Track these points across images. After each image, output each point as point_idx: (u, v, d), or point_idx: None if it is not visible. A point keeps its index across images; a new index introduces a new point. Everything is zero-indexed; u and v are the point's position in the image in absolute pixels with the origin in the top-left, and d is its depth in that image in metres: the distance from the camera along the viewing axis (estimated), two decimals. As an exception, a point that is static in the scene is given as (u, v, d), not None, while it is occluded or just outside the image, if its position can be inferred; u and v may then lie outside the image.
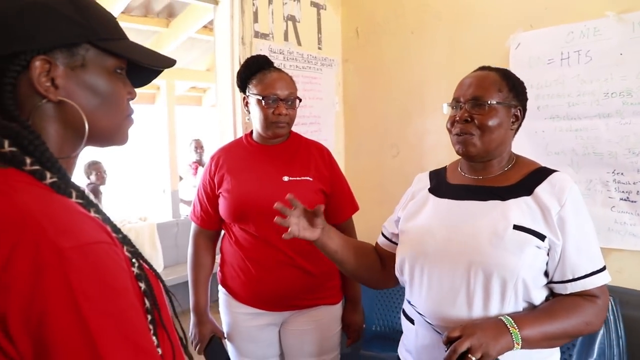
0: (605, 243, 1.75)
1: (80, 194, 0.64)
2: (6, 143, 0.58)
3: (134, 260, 0.65)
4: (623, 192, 1.76)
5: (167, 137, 5.42)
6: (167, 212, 5.08)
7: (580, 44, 1.72)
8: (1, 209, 0.55)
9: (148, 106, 6.01)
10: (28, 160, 0.59)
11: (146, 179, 6.06)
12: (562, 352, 1.71)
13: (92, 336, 0.51)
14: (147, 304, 0.64)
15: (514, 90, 1.11)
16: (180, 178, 5.45)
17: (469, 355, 0.89)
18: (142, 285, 0.64)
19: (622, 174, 1.74)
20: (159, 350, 0.65)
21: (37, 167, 0.60)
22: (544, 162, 1.16)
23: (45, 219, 0.54)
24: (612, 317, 1.63)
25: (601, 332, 1.62)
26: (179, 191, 5.19)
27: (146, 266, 0.69)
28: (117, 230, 0.66)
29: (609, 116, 1.68)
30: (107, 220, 0.65)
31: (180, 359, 0.73)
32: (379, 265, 1.29)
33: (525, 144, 1.89)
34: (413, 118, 2.40)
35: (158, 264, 4.03)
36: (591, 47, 1.70)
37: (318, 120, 2.58)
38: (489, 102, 1.07)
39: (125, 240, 0.67)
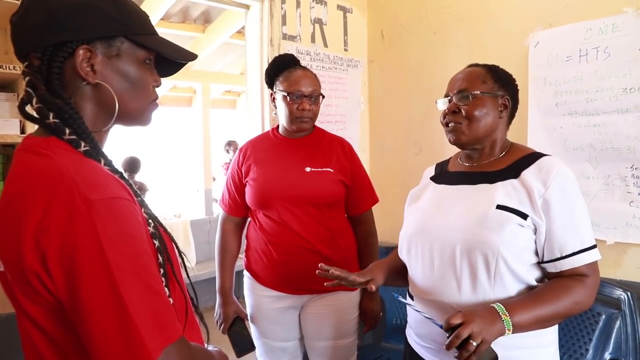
0: (624, 238, 1.75)
1: (108, 161, 0.76)
2: (51, 115, 0.71)
3: (150, 221, 0.76)
4: (642, 187, 1.75)
5: (202, 139, 5.63)
6: (200, 210, 5.29)
7: (599, 40, 1.74)
8: (43, 167, 0.68)
9: (184, 109, 6.27)
10: (67, 131, 0.72)
11: (181, 179, 6.30)
12: (579, 347, 1.74)
13: (112, 271, 0.62)
14: (160, 259, 0.74)
15: (500, 81, 1.19)
16: (214, 179, 5.64)
17: (470, 341, 0.94)
18: (156, 243, 0.75)
19: (640, 169, 1.74)
20: (170, 300, 0.75)
21: (74, 137, 0.72)
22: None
23: (77, 176, 0.66)
24: (628, 312, 1.63)
25: (617, 326, 1.63)
26: (212, 191, 5.38)
27: (161, 228, 0.80)
28: (137, 194, 0.77)
29: (627, 111, 1.68)
30: (129, 185, 0.76)
31: (191, 312, 0.83)
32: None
33: (544, 140, 1.91)
34: (435, 117, 2.41)
35: (191, 259, 4.18)
36: (609, 43, 1.71)
37: (344, 118, 2.66)
38: (472, 93, 1.16)
39: (143, 204, 0.78)
